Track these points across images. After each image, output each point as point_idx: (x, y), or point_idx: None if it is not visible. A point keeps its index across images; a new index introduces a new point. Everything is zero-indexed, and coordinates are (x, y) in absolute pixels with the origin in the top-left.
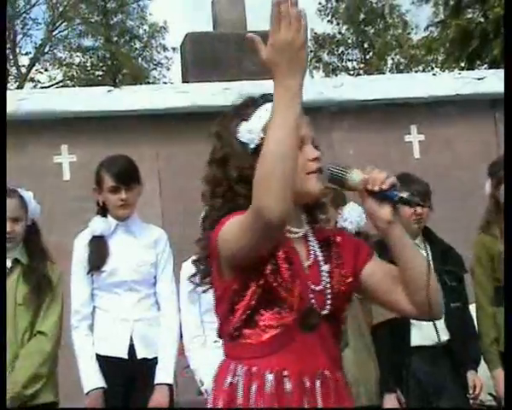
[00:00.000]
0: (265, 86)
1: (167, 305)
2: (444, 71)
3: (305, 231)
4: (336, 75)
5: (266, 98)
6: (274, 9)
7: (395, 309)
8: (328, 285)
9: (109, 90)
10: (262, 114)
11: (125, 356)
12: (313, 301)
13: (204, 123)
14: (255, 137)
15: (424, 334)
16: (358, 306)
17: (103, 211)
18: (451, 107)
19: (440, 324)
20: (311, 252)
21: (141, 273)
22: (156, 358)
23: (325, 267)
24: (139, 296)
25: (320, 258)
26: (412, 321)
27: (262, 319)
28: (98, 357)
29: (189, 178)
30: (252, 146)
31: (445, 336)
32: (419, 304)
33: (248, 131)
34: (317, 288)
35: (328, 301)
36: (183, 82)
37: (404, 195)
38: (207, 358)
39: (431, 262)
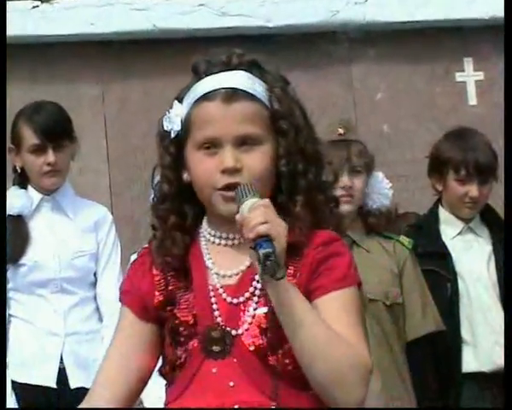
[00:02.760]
0: (254, 1)
1: (112, 313)
2: None
3: None
4: None
5: (221, 64)
6: None
7: None
8: (256, 298)
9: (34, 6)
10: (190, 94)
11: (53, 385)
12: (219, 317)
13: (168, 53)
14: (172, 127)
15: (482, 356)
16: (386, 314)
17: (22, 180)
18: None
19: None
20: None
21: (76, 269)
22: None
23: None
24: (73, 301)
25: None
26: (464, 337)
27: (168, 354)
28: (15, 386)
29: (148, 127)
30: (172, 136)
31: None
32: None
33: (169, 118)
34: (235, 300)
35: (248, 319)
36: None
37: (262, 252)
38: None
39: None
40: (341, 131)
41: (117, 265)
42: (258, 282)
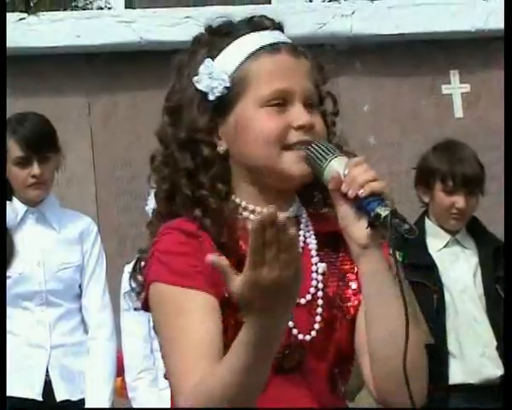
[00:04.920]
0: (240, 14)
1: (98, 325)
2: None
3: (293, 213)
4: None
5: (254, 24)
6: (254, 235)
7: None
8: (320, 293)
9: (21, 18)
10: (236, 49)
11: (39, 398)
12: (291, 322)
13: (155, 64)
14: (217, 84)
15: (469, 368)
16: None
17: (7, 191)
18: None
19: (492, 353)
20: (299, 240)
21: (60, 280)
22: (83, 400)
23: (320, 267)
24: (58, 313)
25: (313, 251)
26: (450, 349)
27: None
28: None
29: (135, 140)
30: (211, 98)
31: (497, 371)
32: (376, 380)
33: (209, 76)
34: (303, 300)
35: (318, 319)
36: (126, 8)
37: (386, 212)
38: (159, 400)
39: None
40: None
41: (102, 276)
42: (317, 273)
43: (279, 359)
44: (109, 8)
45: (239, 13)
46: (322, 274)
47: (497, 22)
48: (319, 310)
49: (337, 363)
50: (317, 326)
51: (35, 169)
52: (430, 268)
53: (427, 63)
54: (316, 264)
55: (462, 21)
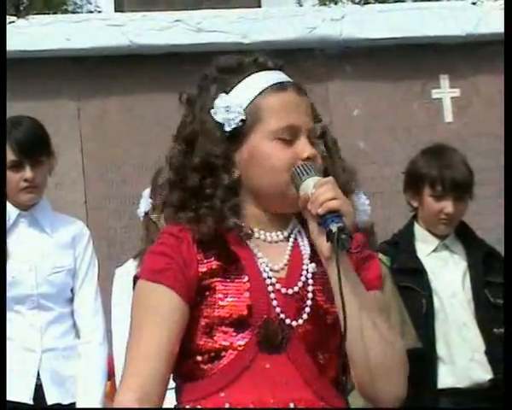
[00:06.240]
0: (230, 17)
1: (90, 329)
2: None
3: (288, 233)
4: (336, 3)
5: (259, 64)
6: None
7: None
8: (310, 287)
9: (10, 21)
10: (247, 85)
11: (30, 401)
12: (278, 308)
13: (144, 67)
14: (233, 117)
15: (458, 372)
16: None
17: None
18: (499, 50)
19: (481, 357)
20: (291, 250)
21: (52, 284)
22: (74, 404)
23: (310, 266)
24: (50, 317)
25: (305, 256)
26: (439, 354)
27: (199, 344)
28: None
29: (124, 144)
30: (228, 129)
31: (486, 375)
32: (356, 377)
33: (226, 109)
34: (290, 291)
35: (307, 309)
36: (116, 11)
37: (335, 228)
38: None
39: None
40: None
41: (94, 280)
42: (307, 271)
43: (261, 334)
44: (99, 12)
45: (229, 16)
46: (313, 273)
47: (487, 27)
48: (308, 301)
49: (327, 351)
50: (305, 315)
51: (27, 173)
52: (419, 273)
53: (418, 67)
54: (306, 264)
55: (452, 26)
